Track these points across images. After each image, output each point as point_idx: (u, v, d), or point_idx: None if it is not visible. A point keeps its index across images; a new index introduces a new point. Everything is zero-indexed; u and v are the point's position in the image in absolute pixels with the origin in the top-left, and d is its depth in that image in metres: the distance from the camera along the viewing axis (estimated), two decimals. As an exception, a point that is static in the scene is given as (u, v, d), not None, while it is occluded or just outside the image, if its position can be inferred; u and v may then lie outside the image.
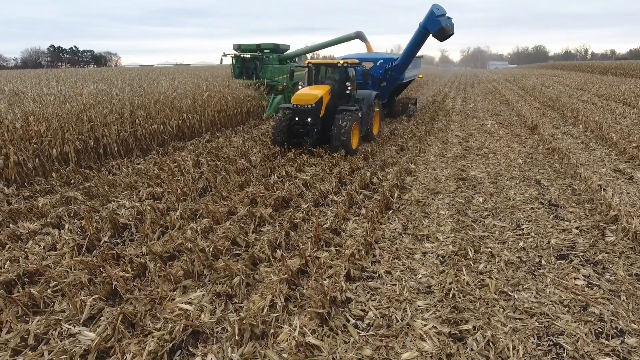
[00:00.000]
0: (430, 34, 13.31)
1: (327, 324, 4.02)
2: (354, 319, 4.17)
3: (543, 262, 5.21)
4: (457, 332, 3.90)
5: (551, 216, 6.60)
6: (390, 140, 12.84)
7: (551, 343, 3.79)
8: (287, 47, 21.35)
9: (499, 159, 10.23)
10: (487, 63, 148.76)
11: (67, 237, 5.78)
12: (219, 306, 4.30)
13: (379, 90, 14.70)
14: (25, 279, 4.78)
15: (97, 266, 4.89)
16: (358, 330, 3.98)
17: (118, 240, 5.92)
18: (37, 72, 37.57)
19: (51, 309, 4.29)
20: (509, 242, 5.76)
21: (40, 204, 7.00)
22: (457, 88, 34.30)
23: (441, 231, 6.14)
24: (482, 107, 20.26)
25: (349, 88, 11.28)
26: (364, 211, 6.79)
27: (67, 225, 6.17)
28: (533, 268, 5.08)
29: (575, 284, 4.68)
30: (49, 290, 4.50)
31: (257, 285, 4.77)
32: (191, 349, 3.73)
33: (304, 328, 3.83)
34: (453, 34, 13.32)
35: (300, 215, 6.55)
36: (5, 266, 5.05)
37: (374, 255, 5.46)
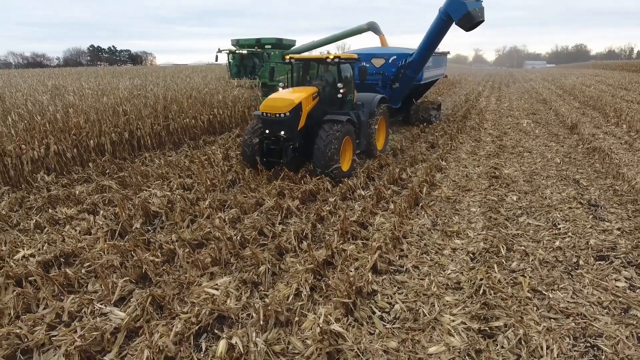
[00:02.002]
0: (454, 22, 10.55)
1: (352, 315, 3.97)
2: (379, 310, 4.10)
3: (581, 262, 4.96)
4: (487, 328, 3.76)
5: (590, 216, 6.28)
6: (420, 137, 12.61)
7: (588, 344, 3.60)
8: (292, 43, 18.79)
9: (535, 157, 9.85)
10: (524, 62, 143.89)
11: (101, 223, 5.98)
12: (245, 293, 4.33)
13: (391, 93, 12.50)
14: (62, 260, 4.98)
15: (129, 250, 5.03)
16: (384, 323, 3.91)
17: (149, 227, 6.07)
18: (78, 69, 39.27)
19: (85, 288, 4.45)
20: (544, 241, 5.51)
21: (77, 192, 7.29)
22: (491, 87, 33.34)
23: (472, 228, 5.96)
24: (518, 106, 19.59)
25: (342, 90, 8.68)
26: (392, 206, 6.68)
27: (101, 212, 6.39)
28: (570, 268, 4.84)
29: (616, 286, 4.43)
30: (83, 271, 4.67)
31: (283, 274, 4.77)
32: (217, 332, 3.76)
33: (329, 317, 3.79)
34: (483, 21, 10.44)
35: (328, 208, 6.52)
36: (44, 247, 5.29)
37: (402, 250, 5.35)
